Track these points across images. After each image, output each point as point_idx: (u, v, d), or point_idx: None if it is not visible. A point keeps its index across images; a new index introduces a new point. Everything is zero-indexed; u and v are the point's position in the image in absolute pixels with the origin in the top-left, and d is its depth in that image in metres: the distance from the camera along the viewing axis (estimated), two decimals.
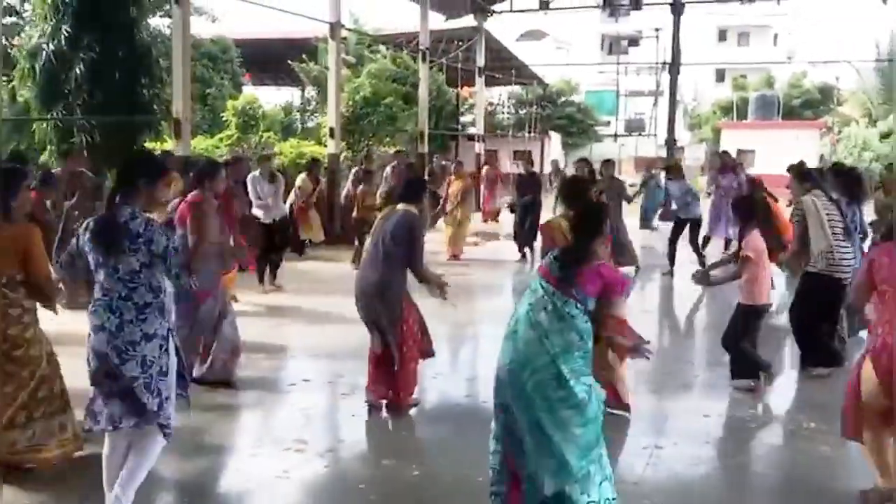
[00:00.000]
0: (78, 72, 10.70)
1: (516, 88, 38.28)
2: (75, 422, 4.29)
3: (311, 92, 23.46)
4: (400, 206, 5.50)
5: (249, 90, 24.87)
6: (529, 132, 35.87)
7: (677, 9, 17.22)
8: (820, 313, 6.42)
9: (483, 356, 7.43)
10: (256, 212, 9.31)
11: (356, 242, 10.88)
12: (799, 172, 6.76)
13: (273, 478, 4.47)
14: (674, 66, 17.55)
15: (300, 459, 4.76)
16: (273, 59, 26.99)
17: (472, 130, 31.00)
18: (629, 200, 11.62)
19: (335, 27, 13.84)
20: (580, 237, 3.82)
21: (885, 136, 30.45)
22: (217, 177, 6.09)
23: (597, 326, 3.61)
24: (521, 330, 3.59)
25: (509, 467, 3.60)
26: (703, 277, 6.32)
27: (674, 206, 11.65)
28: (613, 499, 3.58)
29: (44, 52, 10.75)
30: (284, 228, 9.91)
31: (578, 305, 3.54)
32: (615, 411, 5.21)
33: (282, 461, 4.70)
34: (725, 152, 13.70)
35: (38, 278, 3.89)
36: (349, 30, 16.89)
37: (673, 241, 11.39)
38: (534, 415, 3.46)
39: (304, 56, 21.78)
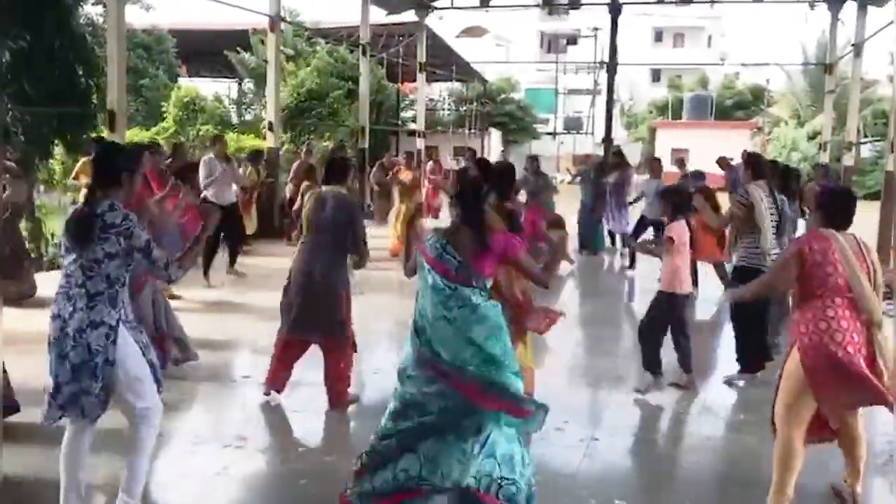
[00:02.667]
0: (3, 61, 10.32)
1: (457, 85, 38.43)
2: None
3: (248, 84, 23.15)
4: (326, 189, 5.44)
5: (185, 82, 24.40)
6: (470, 129, 36.06)
7: (615, 9, 17.46)
8: (754, 310, 6.27)
9: None
10: (208, 194, 9.37)
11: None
12: (753, 163, 6.69)
13: (213, 474, 4.44)
14: (611, 66, 17.80)
15: (240, 455, 4.73)
16: (209, 50, 26.55)
17: (412, 126, 31.01)
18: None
19: (274, 20, 13.67)
20: (465, 206, 3.72)
21: (811, 137, 31.49)
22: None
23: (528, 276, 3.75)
24: (438, 327, 3.55)
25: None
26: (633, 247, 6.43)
27: (643, 205, 11.83)
28: (500, 478, 3.53)
29: None
30: (237, 215, 9.96)
31: (482, 292, 3.59)
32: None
33: (221, 457, 4.66)
34: (657, 160, 14.05)
35: None
36: (289, 22, 16.67)
37: (635, 237, 11.55)
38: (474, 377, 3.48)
39: (238, 48, 21.51)
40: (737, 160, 12.42)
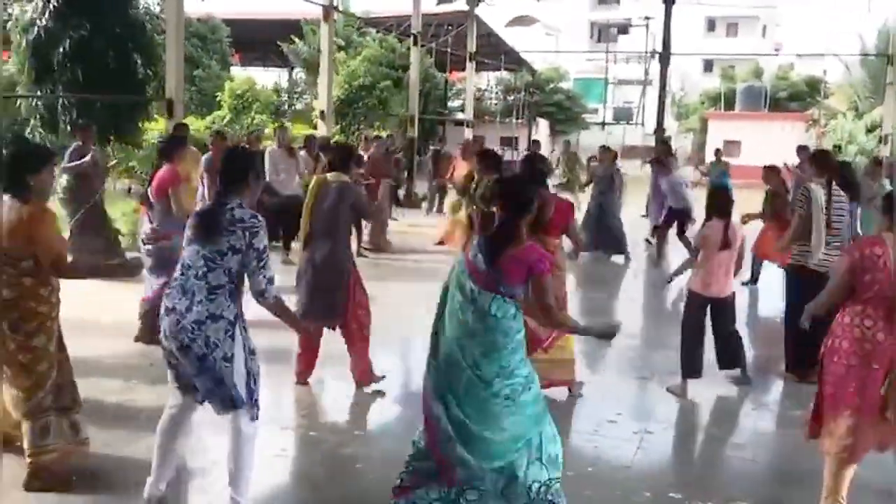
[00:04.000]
0: (63, 49, 10.53)
1: (505, 74, 38.26)
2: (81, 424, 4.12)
3: (299, 73, 23.36)
4: (331, 177, 5.48)
5: (238, 71, 24.75)
6: (517, 119, 35.90)
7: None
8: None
9: None
10: (273, 183, 9.62)
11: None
12: (819, 160, 6.50)
13: (271, 456, 4.52)
14: (664, 56, 17.57)
15: (298, 439, 4.82)
16: (261, 40, 26.89)
17: (459, 116, 30.98)
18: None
19: (328, 10, 13.79)
20: (509, 216, 3.59)
21: (870, 130, 30.64)
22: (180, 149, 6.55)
23: (535, 308, 3.56)
24: (449, 329, 3.55)
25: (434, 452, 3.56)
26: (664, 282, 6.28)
27: (669, 200, 11.61)
28: (549, 480, 3.52)
29: (35, 28, 10.61)
30: (298, 205, 10.13)
31: (506, 300, 3.48)
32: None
33: (280, 440, 4.75)
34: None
35: (47, 260, 3.73)
36: (341, 12, 16.79)
37: (663, 232, 11.48)
38: (463, 410, 3.46)
39: (292, 37, 21.70)
40: (791, 160, 12.10)
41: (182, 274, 3.54)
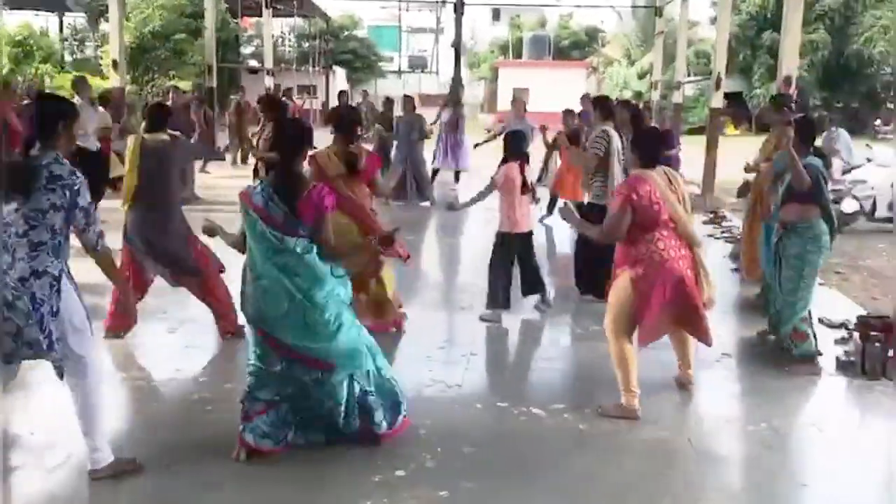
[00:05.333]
0: None
1: (299, 21, 37.59)
2: None
3: (78, 20, 21.76)
4: (149, 137, 5.58)
5: (11, 16, 22.51)
6: (314, 67, 35.52)
7: None
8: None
9: None
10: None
11: None
12: (603, 105, 7.14)
13: (120, 407, 4.59)
14: (458, 5, 18.18)
15: (145, 391, 4.90)
16: None
17: (252, 63, 30.20)
18: (426, 136, 12.41)
19: None
20: (284, 160, 3.84)
21: (641, 76, 33.41)
22: None
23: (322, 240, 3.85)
24: (264, 267, 3.77)
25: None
26: (451, 206, 6.91)
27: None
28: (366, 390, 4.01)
29: None
30: (103, 159, 9.71)
31: (310, 241, 3.78)
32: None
33: (128, 393, 4.82)
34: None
35: None
36: None
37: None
38: (300, 343, 3.81)
39: None
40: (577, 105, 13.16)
41: (3, 231, 3.50)
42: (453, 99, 14.27)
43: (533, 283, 6.63)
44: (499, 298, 6.41)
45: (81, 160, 8.91)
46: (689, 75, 23.60)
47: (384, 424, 4.09)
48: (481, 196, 6.52)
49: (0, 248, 3.43)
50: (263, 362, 3.90)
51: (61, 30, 27.07)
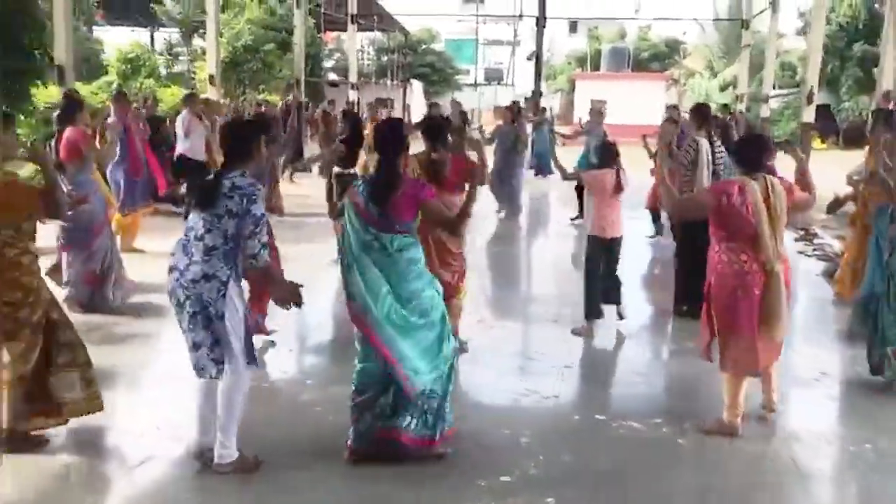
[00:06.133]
0: None
1: (378, 35, 38.28)
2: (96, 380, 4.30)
3: (173, 35, 22.72)
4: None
5: (101, 32, 23.69)
6: (392, 80, 36.12)
7: None
8: (691, 254, 6.58)
9: None
10: (185, 151, 9.71)
11: None
12: (698, 113, 7.13)
13: None
14: (540, 20, 18.30)
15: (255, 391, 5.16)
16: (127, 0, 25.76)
17: (331, 77, 30.97)
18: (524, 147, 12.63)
19: None
20: (384, 158, 4.01)
21: (723, 88, 32.88)
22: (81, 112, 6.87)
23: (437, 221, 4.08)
24: (361, 265, 3.91)
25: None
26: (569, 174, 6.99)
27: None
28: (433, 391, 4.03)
29: None
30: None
31: (405, 237, 3.95)
32: None
33: None
34: (514, 103, 14.83)
35: (35, 210, 4.00)
36: None
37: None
38: (390, 334, 3.90)
39: None
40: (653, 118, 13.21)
41: (185, 235, 3.80)
42: (535, 111, 14.43)
43: (608, 292, 6.57)
44: (594, 308, 6.44)
45: (189, 171, 9.44)
46: (774, 87, 23.14)
47: (426, 433, 4.06)
48: (573, 175, 7.09)
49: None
50: (366, 361, 4.04)
51: (152, 44, 28.27)
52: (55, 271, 6.48)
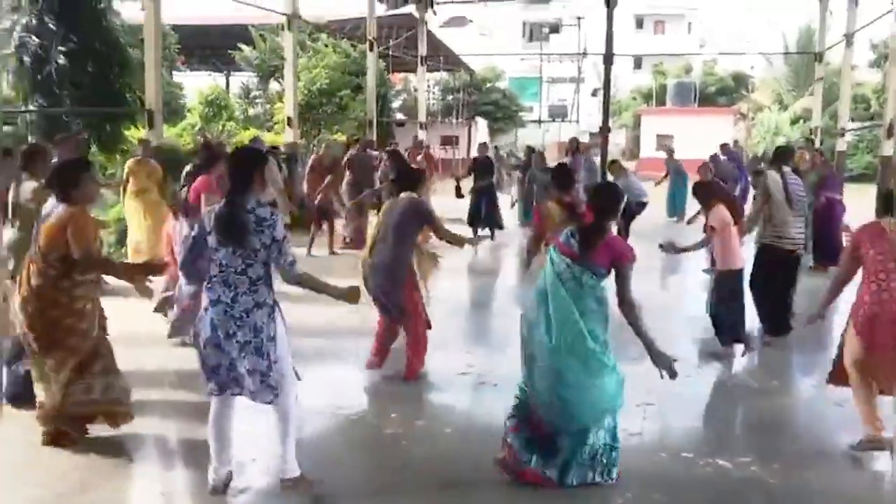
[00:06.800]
0: (54, 65, 10.68)
1: (443, 75, 38.86)
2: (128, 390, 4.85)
3: (250, 79, 23.54)
4: (404, 196, 6.12)
5: (180, 77, 24.64)
6: (457, 118, 36.56)
7: (610, 1, 17.97)
8: (773, 283, 7.06)
9: (478, 332, 8.17)
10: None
11: (316, 228, 11.42)
12: (777, 156, 7.57)
13: (318, 436, 4.98)
14: (607, 57, 18.33)
15: (346, 422, 5.30)
16: (206, 45, 26.83)
17: (398, 116, 31.59)
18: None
19: (292, 18, 14.10)
20: (599, 216, 4.30)
21: (794, 122, 32.33)
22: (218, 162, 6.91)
23: (618, 291, 4.26)
24: (551, 295, 4.19)
25: (531, 409, 4.29)
26: (669, 247, 6.92)
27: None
28: (611, 445, 4.34)
29: (31, 46, 10.70)
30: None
31: (594, 276, 4.21)
32: None
33: (335, 423, 5.22)
34: (573, 139, 14.91)
35: (77, 254, 4.40)
36: (306, 21, 17.13)
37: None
38: (567, 363, 4.12)
39: (238, 45, 21.89)
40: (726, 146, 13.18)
41: (221, 271, 3.94)
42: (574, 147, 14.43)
43: (735, 326, 6.76)
44: (726, 336, 6.76)
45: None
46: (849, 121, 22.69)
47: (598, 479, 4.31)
48: (703, 244, 6.98)
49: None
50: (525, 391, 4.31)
51: (227, 88, 29.36)
52: (164, 303, 6.88)
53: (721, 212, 6.65)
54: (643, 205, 12.21)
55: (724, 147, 16.08)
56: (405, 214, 5.99)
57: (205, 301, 4.03)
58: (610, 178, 13.16)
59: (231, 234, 3.90)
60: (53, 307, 4.49)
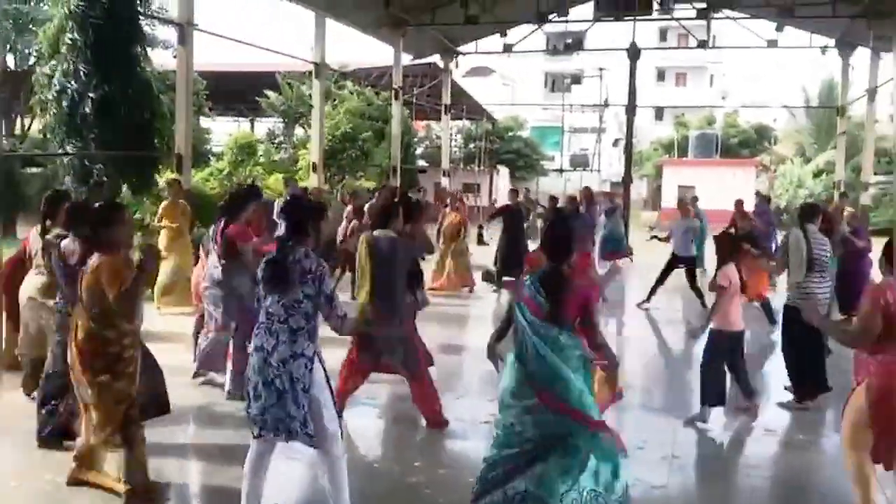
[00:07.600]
0: (88, 108, 10.97)
1: (466, 123, 39.28)
2: None
3: (276, 124, 23.97)
4: (379, 232, 5.95)
5: (207, 122, 25.09)
6: (479, 166, 36.85)
7: (633, 53, 18.26)
8: (800, 344, 6.83)
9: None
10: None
11: (345, 272, 11.47)
12: (803, 213, 7.39)
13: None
14: (630, 107, 18.55)
15: (364, 470, 5.28)
16: (233, 92, 27.37)
17: (420, 163, 31.98)
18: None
19: (320, 67, 14.39)
20: (553, 263, 4.15)
21: (816, 175, 32.29)
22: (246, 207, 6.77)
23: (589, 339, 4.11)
24: (530, 360, 4.02)
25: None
26: (697, 332, 6.76)
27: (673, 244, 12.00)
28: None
29: (69, 90, 11.01)
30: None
31: (570, 334, 4.05)
32: None
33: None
34: (586, 188, 14.93)
35: (110, 297, 4.28)
36: (333, 70, 17.49)
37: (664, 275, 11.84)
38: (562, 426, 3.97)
39: (265, 91, 22.33)
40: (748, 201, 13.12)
41: (267, 318, 4.02)
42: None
43: (748, 385, 6.59)
44: (711, 398, 6.41)
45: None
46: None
47: None
48: (719, 307, 6.41)
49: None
50: (507, 423, 4.10)
51: (252, 131, 29.93)
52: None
53: (731, 271, 6.41)
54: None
55: (759, 195, 15.71)
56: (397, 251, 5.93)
57: (251, 346, 4.10)
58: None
59: (275, 282, 3.99)
60: (100, 358, 4.39)
